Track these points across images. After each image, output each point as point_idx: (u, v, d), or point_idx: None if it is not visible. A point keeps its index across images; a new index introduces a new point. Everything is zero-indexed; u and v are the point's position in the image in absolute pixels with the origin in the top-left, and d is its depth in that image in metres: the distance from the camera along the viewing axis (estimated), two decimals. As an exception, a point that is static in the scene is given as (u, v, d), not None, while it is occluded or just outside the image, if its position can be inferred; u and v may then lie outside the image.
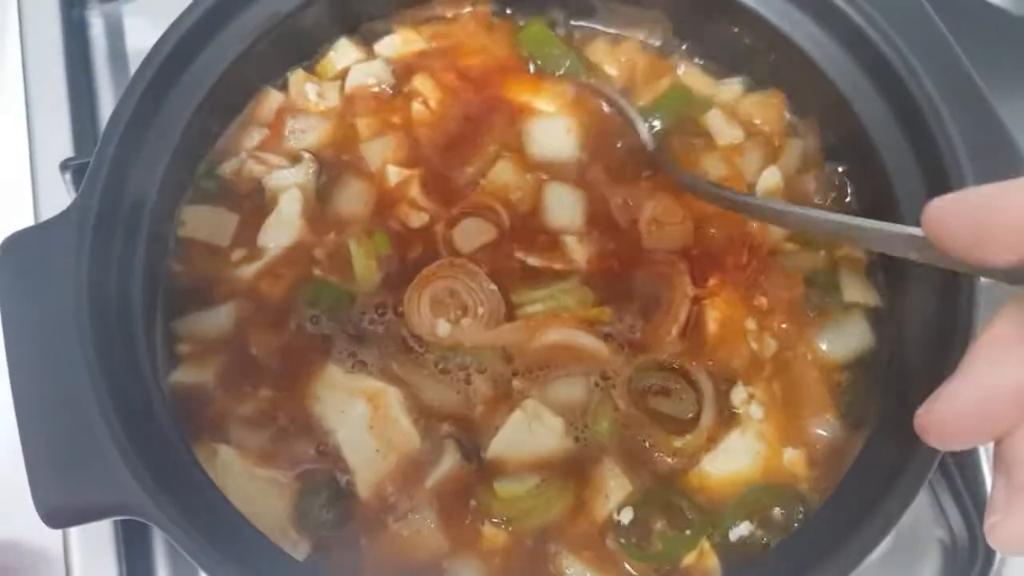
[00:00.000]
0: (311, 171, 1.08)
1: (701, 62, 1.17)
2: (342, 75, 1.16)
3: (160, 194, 0.97)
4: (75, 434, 0.80)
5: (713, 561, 0.93)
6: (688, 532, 0.93)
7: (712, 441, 0.96)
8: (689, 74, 1.17)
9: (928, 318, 0.93)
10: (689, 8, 1.15)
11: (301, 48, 1.16)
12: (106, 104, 1.32)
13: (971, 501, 1.07)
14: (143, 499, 0.77)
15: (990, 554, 1.04)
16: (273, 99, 1.14)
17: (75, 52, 1.32)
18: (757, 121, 1.13)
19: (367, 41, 1.18)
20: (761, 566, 0.91)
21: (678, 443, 0.96)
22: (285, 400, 0.96)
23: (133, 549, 1.03)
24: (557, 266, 1.03)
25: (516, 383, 0.98)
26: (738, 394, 0.98)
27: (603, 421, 0.96)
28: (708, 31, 1.15)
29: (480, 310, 0.99)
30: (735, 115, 1.14)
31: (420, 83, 1.14)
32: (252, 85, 1.13)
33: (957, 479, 1.08)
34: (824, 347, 1.01)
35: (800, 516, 0.93)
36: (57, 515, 0.79)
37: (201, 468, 0.84)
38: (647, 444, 0.96)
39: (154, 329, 0.95)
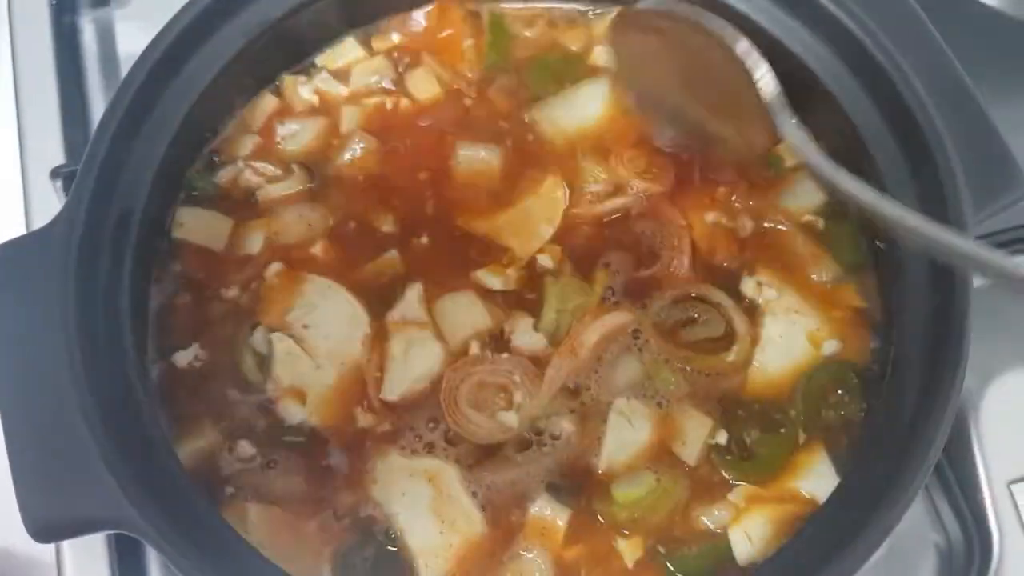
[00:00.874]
0: (301, 183, 1.09)
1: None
2: (342, 74, 1.16)
3: (149, 203, 0.97)
4: (62, 448, 0.79)
5: (820, 452, 0.96)
6: (783, 430, 0.96)
7: (755, 341, 1.00)
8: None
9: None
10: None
11: (297, 50, 1.16)
12: (97, 110, 1.31)
13: (967, 505, 1.06)
14: (131, 513, 0.77)
15: (986, 558, 1.03)
16: (267, 103, 1.14)
17: (66, 58, 1.31)
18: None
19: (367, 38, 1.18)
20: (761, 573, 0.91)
21: (730, 357, 0.99)
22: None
23: (126, 558, 1.03)
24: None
25: (586, 398, 0.98)
26: (748, 286, 1.03)
27: (664, 374, 0.99)
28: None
29: (516, 379, 0.98)
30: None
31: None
32: (245, 88, 1.13)
33: (953, 483, 1.07)
34: (791, 204, 1.07)
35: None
36: (45, 529, 0.79)
37: (189, 480, 0.84)
38: (707, 375, 0.98)
39: (143, 339, 0.95)
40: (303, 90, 1.15)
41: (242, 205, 1.08)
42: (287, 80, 1.15)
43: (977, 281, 0.90)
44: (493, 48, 1.16)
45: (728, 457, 0.96)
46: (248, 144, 1.12)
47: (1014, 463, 1.06)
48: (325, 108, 1.15)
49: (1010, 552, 1.02)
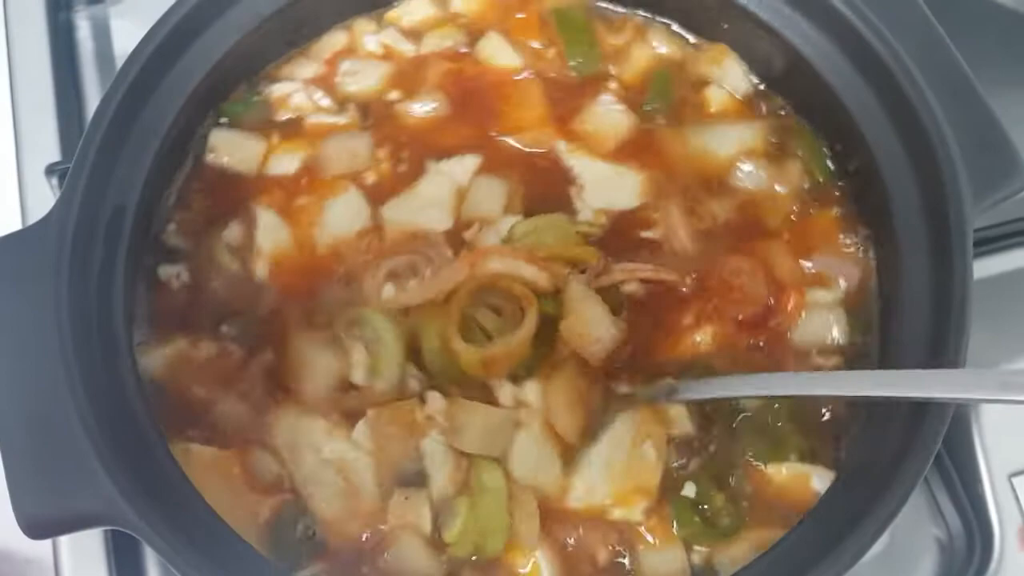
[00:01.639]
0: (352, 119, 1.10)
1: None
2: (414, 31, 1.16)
3: (143, 196, 0.96)
4: (55, 444, 0.79)
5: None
6: None
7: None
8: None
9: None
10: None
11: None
12: (93, 108, 1.26)
13: (968, 498, 1.06)
14: (124, 508, 0.77)
15: (987, 553, 1.03)
16: (336, 39, 1.15)
17: (61, 55, 1.31)
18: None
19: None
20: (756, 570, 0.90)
21: None
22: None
23: (123, 556, 1.02)
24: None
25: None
26: None
27: None
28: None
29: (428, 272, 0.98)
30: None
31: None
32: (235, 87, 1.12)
33: (953, 476, 1.07)
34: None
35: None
36: (37, 525, 0.78)
37: (184, 476, 0.84)
38: None
39: (136, 334, 0.94)
40: (369, 40, 1.15)
41: (283, 126, 1.09)
42: (358, 23, 1.16)
43: (978, 273, 0.89)
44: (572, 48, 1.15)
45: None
46: (309, 69, 1.13)
47: (1015, 455, 1.05)
48: (392, 58, 1.15)
49: (1011, 545, 1.02)
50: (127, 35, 1.36)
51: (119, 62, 1.33)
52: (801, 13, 1.05)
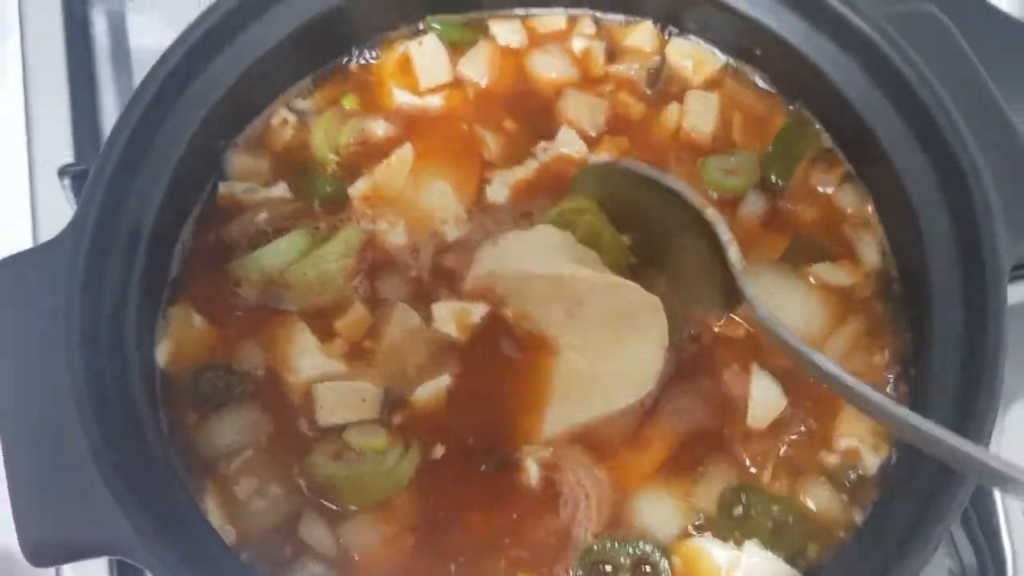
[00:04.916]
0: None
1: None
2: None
3: (160, 215, 0.94)
4: (62, 468, 0.78)
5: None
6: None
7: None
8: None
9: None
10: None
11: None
12: (107, 107, 1.29)
13: (982, 531, 1.05)
14: (132, 538, 0.75)
15: (999, 583, 1.02)
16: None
17: (77, 50, 1.29)
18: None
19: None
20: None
21: None
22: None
23: (128, 566, 1.01)
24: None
25: None
26: None
27: None
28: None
29: None
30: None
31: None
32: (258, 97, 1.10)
33: (969, 510, 1.06)
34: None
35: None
36: (42, 553, 0.77)
37: (194, 504, 0.82)
38: None
39: (149, 357, 0.93)
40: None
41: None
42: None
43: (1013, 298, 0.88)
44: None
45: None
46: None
47: (1031, 488, 1.04)
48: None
49: (1025, 578, 1.01)
50: (143, 31, 1.35)
51: (135, 58, 1.33)
52: (828, 36, 1.04)
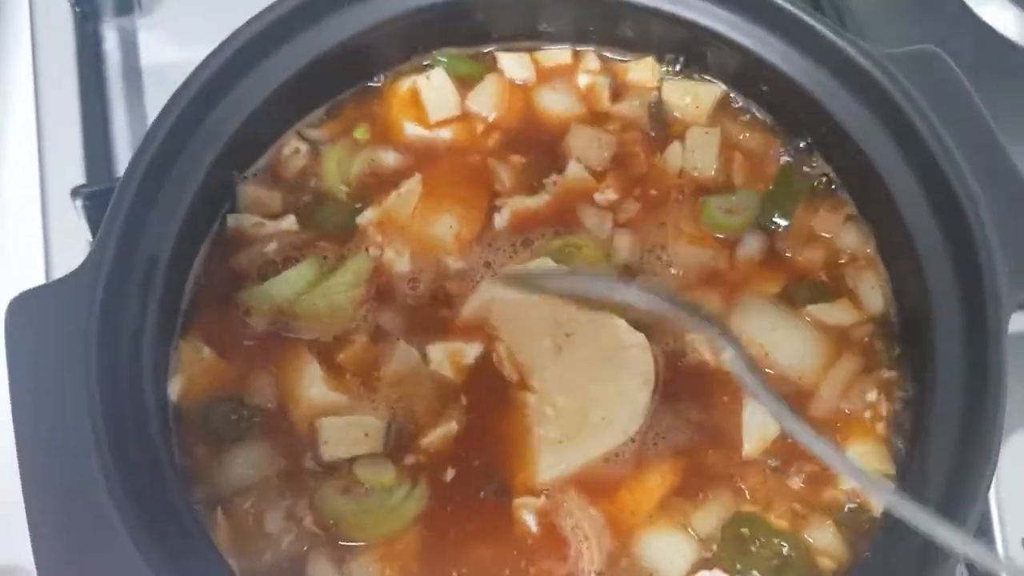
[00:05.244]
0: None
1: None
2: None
3: (176, 246, 0.95)
4: (82, 510, 0.78)
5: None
6: None
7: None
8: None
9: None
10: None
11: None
12: (119, 124, 1.30)
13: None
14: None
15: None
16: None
17: (89, 67, 1.30)
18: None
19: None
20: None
21: None
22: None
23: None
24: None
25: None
26: None
27: None
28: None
29: None
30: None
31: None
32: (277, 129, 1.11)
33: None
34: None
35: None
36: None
37: (215, 548, 0.83)
38: None
39: (163, 392, 0.94)
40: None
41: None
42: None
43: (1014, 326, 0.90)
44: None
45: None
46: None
47: (1029, 520, 1.05)
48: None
49: (1021, 611, 1.02)
50: (155, 48, 1.35)
51: (147, 75, 1.34)
52: (828, 70, 1.05)
